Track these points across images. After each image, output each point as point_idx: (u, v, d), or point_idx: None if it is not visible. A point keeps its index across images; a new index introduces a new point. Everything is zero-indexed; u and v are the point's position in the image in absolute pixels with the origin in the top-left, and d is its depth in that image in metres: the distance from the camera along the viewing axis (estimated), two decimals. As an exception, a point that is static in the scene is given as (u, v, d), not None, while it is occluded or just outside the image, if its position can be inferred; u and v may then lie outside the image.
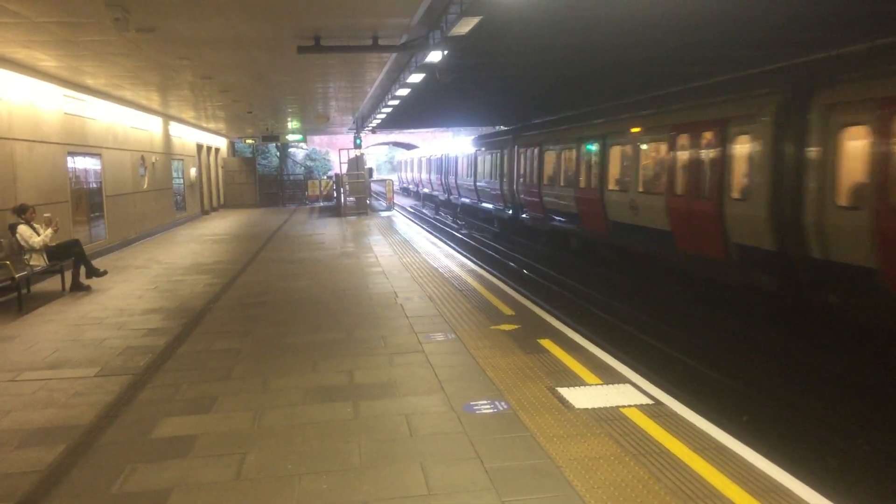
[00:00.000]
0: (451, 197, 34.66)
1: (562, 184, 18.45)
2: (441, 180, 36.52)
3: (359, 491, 4.26)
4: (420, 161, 45.72)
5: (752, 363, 9.64)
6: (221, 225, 25.10)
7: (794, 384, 8.83)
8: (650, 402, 5.61)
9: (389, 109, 23.25)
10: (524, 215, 21.98)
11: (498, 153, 24.59)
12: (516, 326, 8.29)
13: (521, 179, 21.83)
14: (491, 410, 5.52)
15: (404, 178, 57.10)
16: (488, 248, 22.15)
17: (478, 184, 27.72)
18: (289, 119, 27.68)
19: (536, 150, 20.44)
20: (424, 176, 43.34)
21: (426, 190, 43.31)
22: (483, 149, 27.21)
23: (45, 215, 11.39)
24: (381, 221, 24.71)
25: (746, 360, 9.78)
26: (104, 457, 4.90)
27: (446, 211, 36.77)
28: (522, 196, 21.74)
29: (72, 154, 14.65)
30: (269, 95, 19.10)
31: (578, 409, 5.49)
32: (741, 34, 12.28)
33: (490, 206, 26.38)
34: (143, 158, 20.26)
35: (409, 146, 67.32)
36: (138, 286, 12.03)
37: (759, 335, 10.64)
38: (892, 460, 6.84)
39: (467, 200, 30.83)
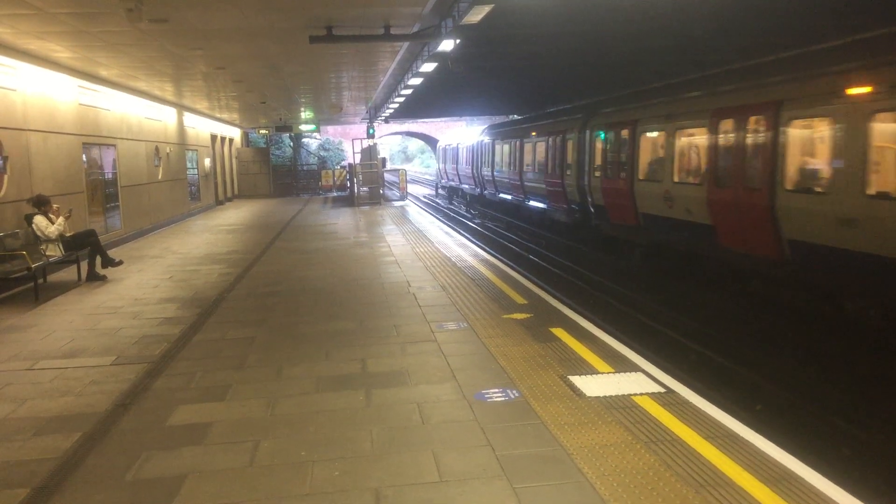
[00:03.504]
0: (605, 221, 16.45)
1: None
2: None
3: (371, 477, 4.29)
4: (499, 146, 25.76)
5: (766, 352, 9.59)
6: (236, 215, 25.20)
7: (808, 373, 8.78)
8: (662, 390, 5.61)
9: (402, 99, 23.23)
10: None
11: None
12: (528, 315, 8.29)
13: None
14: (502, 398, 5.53)
15: (455, 174, 35.05)
16: (499, 237, 22.12)
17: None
18: (302, 109, 27.71)
19: None
20: (502, 171, 25.16)
21: (506, 196, 25.44)
22: None
23: (55, 206, 11.48)
24: (395, 211, 24.72)
25: (760, 348, 9.74)
26: (120, 444, 4.96)
27: (459, 200, 35.33)
28: None
29: (87, 145, 14.74)
30: (283, 85, 19.12)
31: (590, 397, 5.49)
32: (758, 21, 12.15)
33: None
34: (157, 149, 20.36)
35: (423, 136, 67.19)
36: (153, 276, 12.11)
37: (772, 324, 10.58)
38: (906, 449, 6.79)
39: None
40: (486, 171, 27.74)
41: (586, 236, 18.25)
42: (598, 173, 16.54)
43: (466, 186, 32.74)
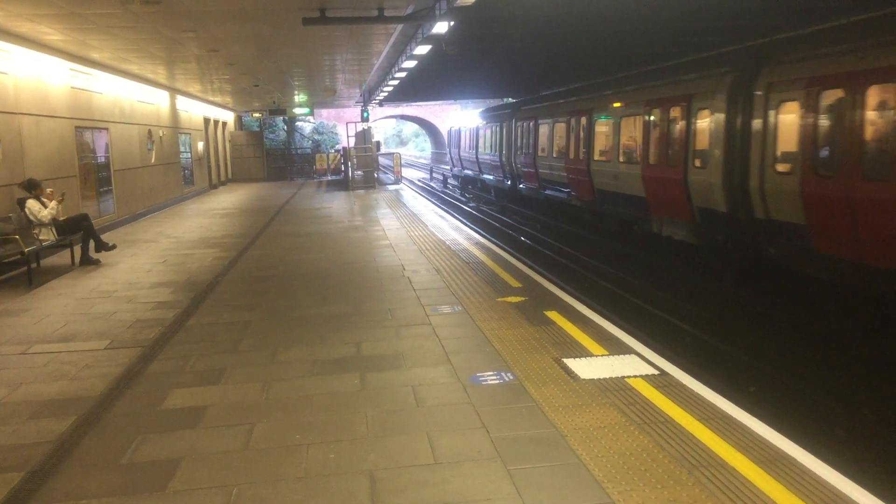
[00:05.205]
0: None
1: None
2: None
3: (366, 460, 4.30)
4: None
5: (760, 334, 9.63)
6: (229, 199, 25.12)
7: (801, 355, 8.82)
8: (656, 372, 5.63)
9: (396, 82, 23.10)
10: None
11: None
12: (523, 298, 8.30)
13: None
14: (497, 381, 5.55)
15: (474, 162, 29.02)
16: (494, 220, 22.11)
17: None
18: (296, 92, 27.53)
19: None
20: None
21: (557, 193, 19.35)
22: None
23: (48, 190, 11.42)
24: (389, 195, 24.67)
25: (753, 331, 9.78)
26: (114, 428, 4.96)
27: (455, 184, 34.97)
28: None
29: (79, 128, 14.65)
30: (276, 68, 18.99)
31: (584, 379, 5.51)
32: (749, 2, 12.07)
33: None
34: (150, 132, 20.25)
35: (418, 119, 66.96)
36: (147, 260, 12.08)
37: (766, 306, 10.62)
38: (898, 430, 6.83)
39: None
40: (524, 161, 21.59)
41: (730, 267, 12.04)
42: (783, 167, 10.09)
43: (490, 178, 26.43)
